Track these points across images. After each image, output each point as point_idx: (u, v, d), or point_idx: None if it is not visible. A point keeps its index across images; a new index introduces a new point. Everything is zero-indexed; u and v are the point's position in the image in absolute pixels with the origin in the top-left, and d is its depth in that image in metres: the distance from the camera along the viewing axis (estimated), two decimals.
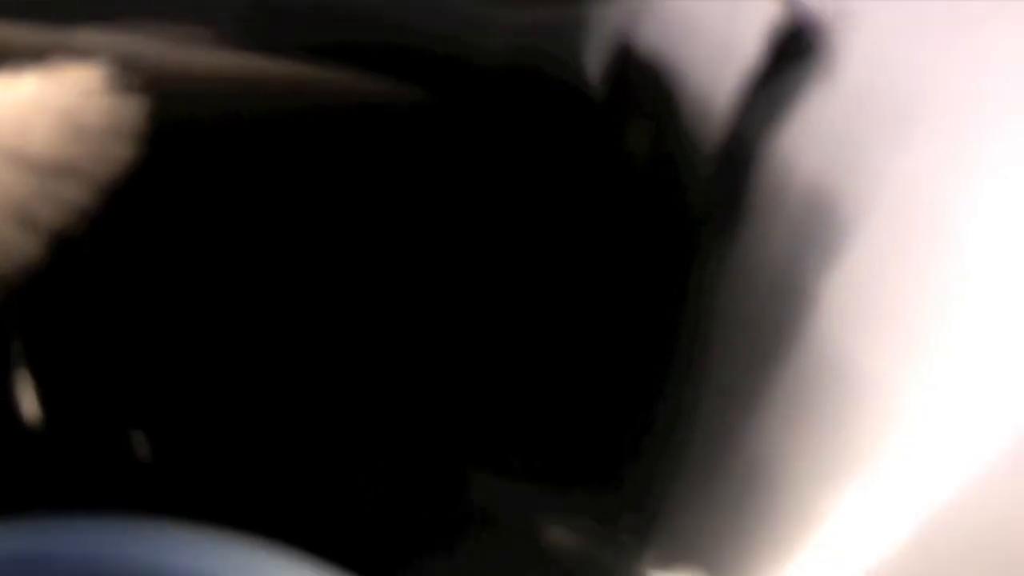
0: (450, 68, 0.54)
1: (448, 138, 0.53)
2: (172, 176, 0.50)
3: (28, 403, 0.47)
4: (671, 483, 0.44)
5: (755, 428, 0.44)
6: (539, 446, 0.46)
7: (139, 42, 0.54)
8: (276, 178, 0.51)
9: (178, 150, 0.50)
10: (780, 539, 0.42)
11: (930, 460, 0.41)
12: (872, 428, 0.43)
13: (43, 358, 0.48)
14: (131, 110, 0.50)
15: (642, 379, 0.47)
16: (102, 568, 0.41)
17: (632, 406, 0.46)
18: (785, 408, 0.44)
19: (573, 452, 0.46)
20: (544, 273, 0.50)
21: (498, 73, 0.54)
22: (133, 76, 0.51)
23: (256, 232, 0.50)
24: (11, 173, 0.47)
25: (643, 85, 0.53)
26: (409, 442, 0.46)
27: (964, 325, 0.43)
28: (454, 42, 0.55)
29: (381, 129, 0.53)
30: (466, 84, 0.54)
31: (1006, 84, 0.45)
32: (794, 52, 0.49)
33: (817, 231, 0.47)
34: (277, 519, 0.43)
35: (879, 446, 0.42)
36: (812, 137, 0.49)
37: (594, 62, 0.54)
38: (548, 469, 0.45)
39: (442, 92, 0.53)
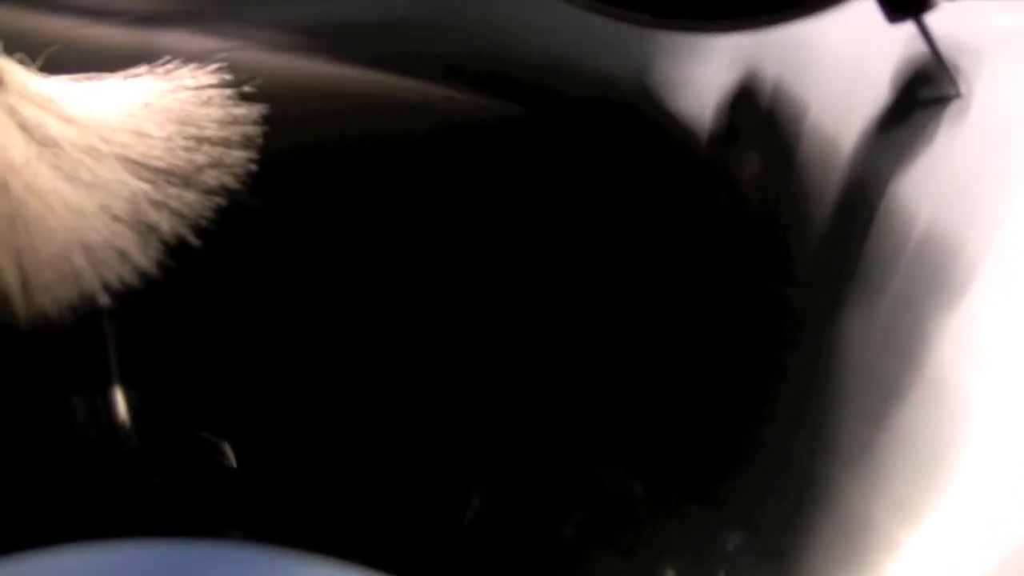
0: (550, 91, 0.54)
1: (543, 160, 0.52)
2: (282, 188, 0.49)
3: (120, 413, 0.46)
4: (773, 506, 0.44)
5: (868, 459, 0.44)
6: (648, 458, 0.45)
7: (243, 48, 0.53)
8: (384, 191, 0.50)
9: (288, 162, 0.49)
10: (874, 555, 0.42)
11: None
12: (979, 464, 0.43)
13: (139, 367, 0.47)
14: (246, 119, 0.49)
15: (750, 406, 0.46)
16: None
17: (739, 424, 0.46)
18: (899, 441, 0.45)
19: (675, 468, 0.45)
20: (639, 310, 0.49)
21: (600, 102, 0.53)
22: (247, 84, 0.50)
23: (364, 245, 0.49)
24: (129, 177, 0.46)
25: (761, 119, 0.52)
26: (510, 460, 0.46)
27: None
28: (557, 66, 0.54)
29: (476, 143, 0.52)
30: (566, 108, 0.53)
31: None
32: (928, 94, 0.49)
33: (935, 274, 0.47)
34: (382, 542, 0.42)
35: (981, 480, 0.43)
36: (934, 180, 0.49)
37: (707, 92, 0.54)
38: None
39: (542, 113, 0.53)
